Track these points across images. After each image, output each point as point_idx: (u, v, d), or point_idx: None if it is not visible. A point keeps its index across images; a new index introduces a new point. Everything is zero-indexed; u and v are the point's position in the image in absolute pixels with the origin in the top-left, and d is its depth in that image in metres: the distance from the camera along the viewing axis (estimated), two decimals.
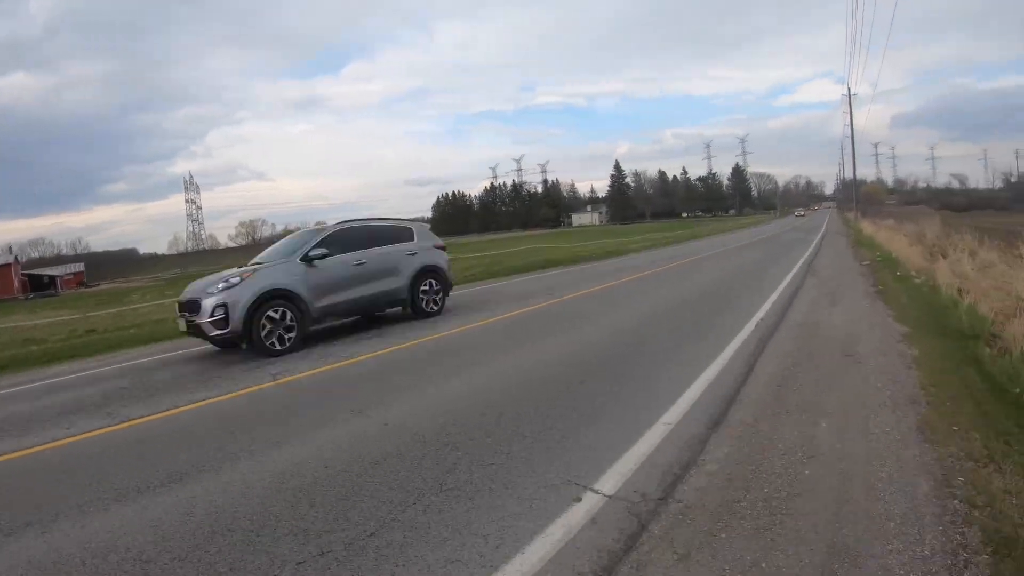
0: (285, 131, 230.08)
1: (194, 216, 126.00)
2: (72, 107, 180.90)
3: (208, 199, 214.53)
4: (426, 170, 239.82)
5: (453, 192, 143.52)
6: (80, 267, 78.43)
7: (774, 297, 8.63)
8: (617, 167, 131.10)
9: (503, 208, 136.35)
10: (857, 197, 45.97)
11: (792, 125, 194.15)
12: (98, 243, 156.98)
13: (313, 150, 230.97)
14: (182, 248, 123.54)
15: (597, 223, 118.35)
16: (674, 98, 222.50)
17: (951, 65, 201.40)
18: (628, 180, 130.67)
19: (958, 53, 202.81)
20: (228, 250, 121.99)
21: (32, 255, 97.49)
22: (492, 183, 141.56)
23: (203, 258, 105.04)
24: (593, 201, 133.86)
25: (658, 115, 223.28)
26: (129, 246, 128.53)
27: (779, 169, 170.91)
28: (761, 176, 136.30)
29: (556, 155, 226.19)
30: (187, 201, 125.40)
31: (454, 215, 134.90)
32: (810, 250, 18.80)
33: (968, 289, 7.38)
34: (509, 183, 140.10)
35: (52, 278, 66.70)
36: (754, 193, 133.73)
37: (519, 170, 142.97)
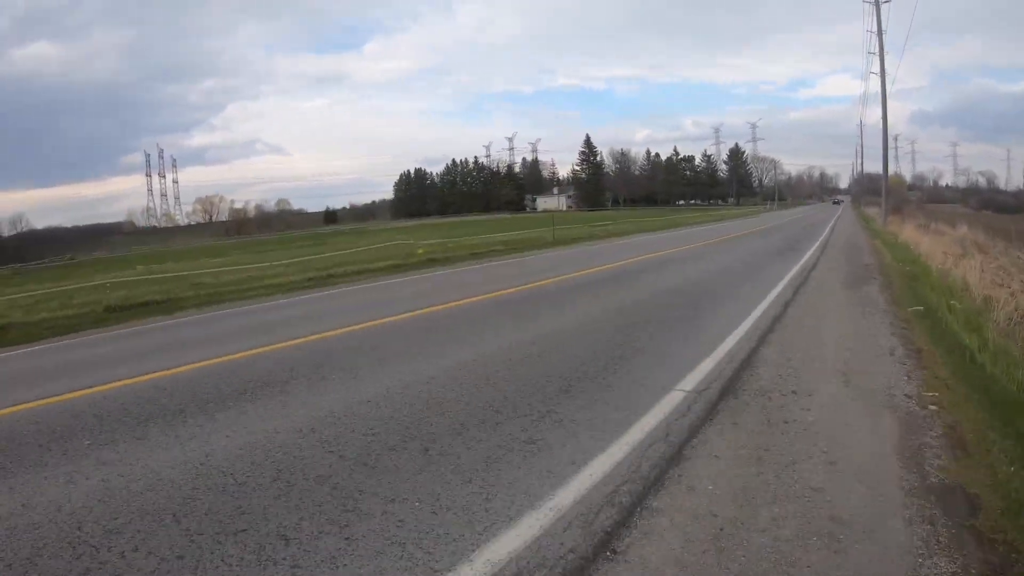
0: (303, 106, 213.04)
1: (164, 191, 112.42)
2: (95, 75, 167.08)
3: (223, 172, 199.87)
4: (440, 149, 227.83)
5: (416, 170, 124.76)
6: None
7: None
8: (588, 143, 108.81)
9: (465, 188, 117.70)
10: (887, 190, 31.68)
11: (810, 117, 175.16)
12: (110, 215, 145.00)
13: (329, 126, 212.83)
14: (140, 225, 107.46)
15: (563, 208, 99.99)
16: (694, 85, 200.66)
17: (971, 66, 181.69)
18: (600, 159, 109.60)
19: (978, 55, 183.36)
20: (177, 228, 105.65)
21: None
22: (454, 160, 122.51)
23: (145, 239, 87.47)
24: (571, 183, 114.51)
25: (677, 102, 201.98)
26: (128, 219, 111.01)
27: (794, 160, 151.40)
28: (764, 161, 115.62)
29: (572, 139, 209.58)
30: (150, 176, 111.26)
31: (418, 195, 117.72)
32: None
33: None
34: (496, 163, 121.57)
35: None
36: (764, 181, 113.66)
37: (511, 149, 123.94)
